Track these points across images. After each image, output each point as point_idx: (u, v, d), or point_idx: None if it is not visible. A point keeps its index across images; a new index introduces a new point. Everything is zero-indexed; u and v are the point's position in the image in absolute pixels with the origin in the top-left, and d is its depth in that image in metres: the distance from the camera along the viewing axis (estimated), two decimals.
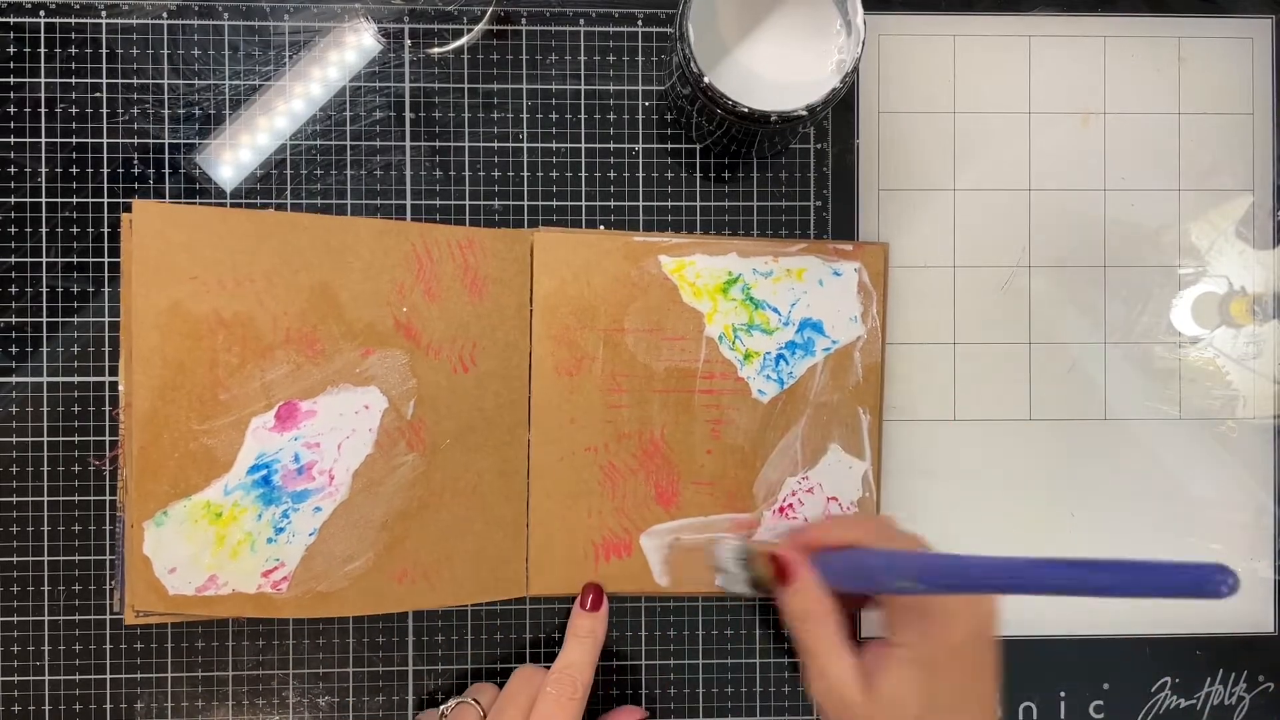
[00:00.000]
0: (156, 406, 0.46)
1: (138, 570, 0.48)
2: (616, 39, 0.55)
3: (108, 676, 0.53)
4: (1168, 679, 0.56)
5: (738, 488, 0.53)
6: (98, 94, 0.53)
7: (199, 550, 0.48)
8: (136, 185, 0.53)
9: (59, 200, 0.53)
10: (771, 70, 0.48)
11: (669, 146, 0.55)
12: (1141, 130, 0.57)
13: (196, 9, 0.54)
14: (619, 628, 0.55)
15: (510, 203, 0.55)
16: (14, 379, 0.53)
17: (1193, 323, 0.57)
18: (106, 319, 0.53)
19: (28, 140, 0.53)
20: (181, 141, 0.54)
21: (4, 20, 0.53)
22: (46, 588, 0.53)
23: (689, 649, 0.55)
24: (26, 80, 0.53)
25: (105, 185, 0.53)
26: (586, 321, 0.53)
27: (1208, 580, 0.34)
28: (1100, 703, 0.56)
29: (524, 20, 0.55)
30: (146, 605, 0.49)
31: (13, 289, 0.53)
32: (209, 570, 0.49)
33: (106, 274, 0.53)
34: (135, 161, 0.53)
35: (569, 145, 0.55)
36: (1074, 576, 0.37)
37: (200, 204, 0.53)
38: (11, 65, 0.53)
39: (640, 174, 0.55)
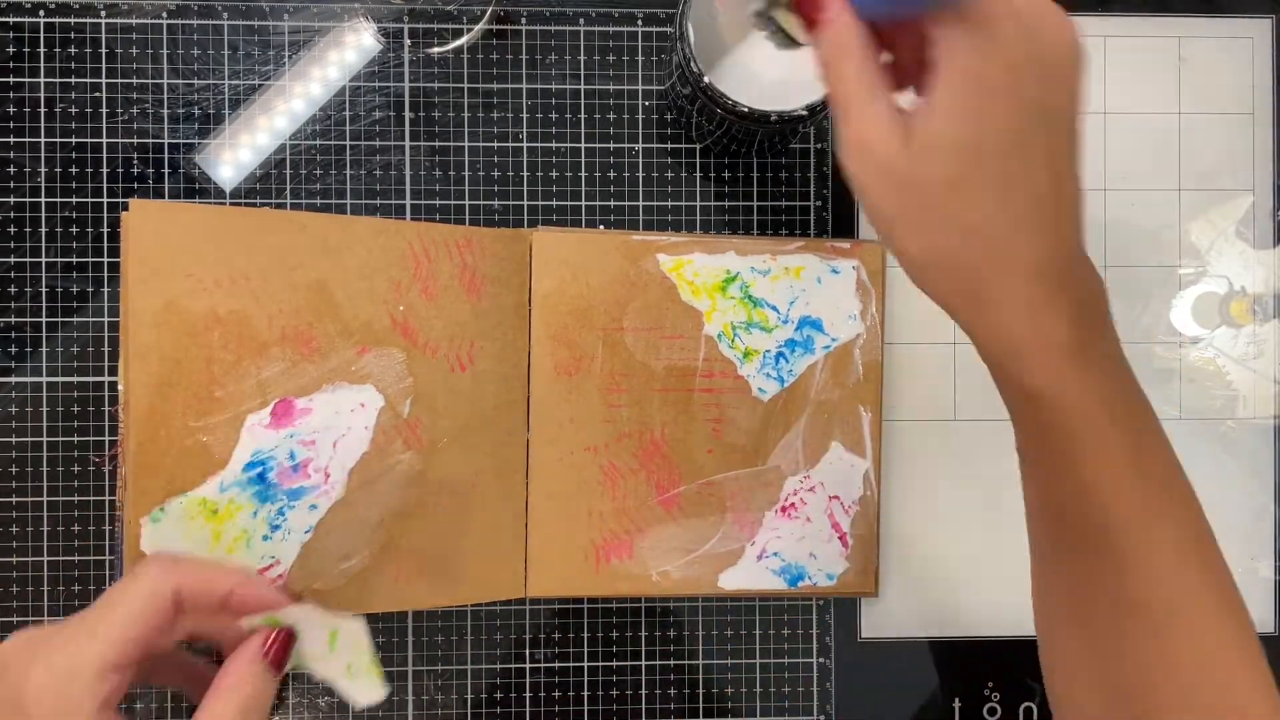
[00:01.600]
0: (153, 403, 0.46)
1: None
2: (616, 39, 0.55)
3: None
4: None
5: (739, 488, 0.53)
6: (97, 94, 0.53)
7: (195, 547, 0.48)
8: (136, 185, 0.53)
9: (58, 200, 0.53)
10: (771, 70, 0.48)
11: (669, 146, 0.55)
12: (1141, 130, 0.57)
13: (196, 9, 0.54)
14: (619, 628, 0.55)
15: (510, 202, 0.55)
16: (14, 379, 0.53)
17: (1193, 323, 0.56)
18: (106, 319, 0.53)
19: (27, 140, 0.53)
20: (181, 141, 0.54)
21: (4, 20, 0.53)
22: (46, 587, 0.53)
23: (689, 649, 0.55)
24: (26, 80, 0.53)
25: (105, 185, 0.53)
26: (585, 321, 0.53)
27: None
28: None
29: (524, 20, 0.55)
30: None
31: (13, 289, 0.53)
32: None
33: (106, 274, 0.53)
34: (135, 161, 0.53)
35: (569, 145, 0.55)
36: None
37: (198, 203, 0.53)
38: (11, 65, 0.53)
39: (640, 174, 0.55)
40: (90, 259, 0.53)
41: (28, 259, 0.53)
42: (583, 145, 0.55)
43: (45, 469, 0.53)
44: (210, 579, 0.39)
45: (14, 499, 0.53)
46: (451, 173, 0.55)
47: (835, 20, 0.35)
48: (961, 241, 0.34)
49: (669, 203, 0.55)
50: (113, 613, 0.37)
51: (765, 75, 0.48)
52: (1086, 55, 0.34)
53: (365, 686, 0.45)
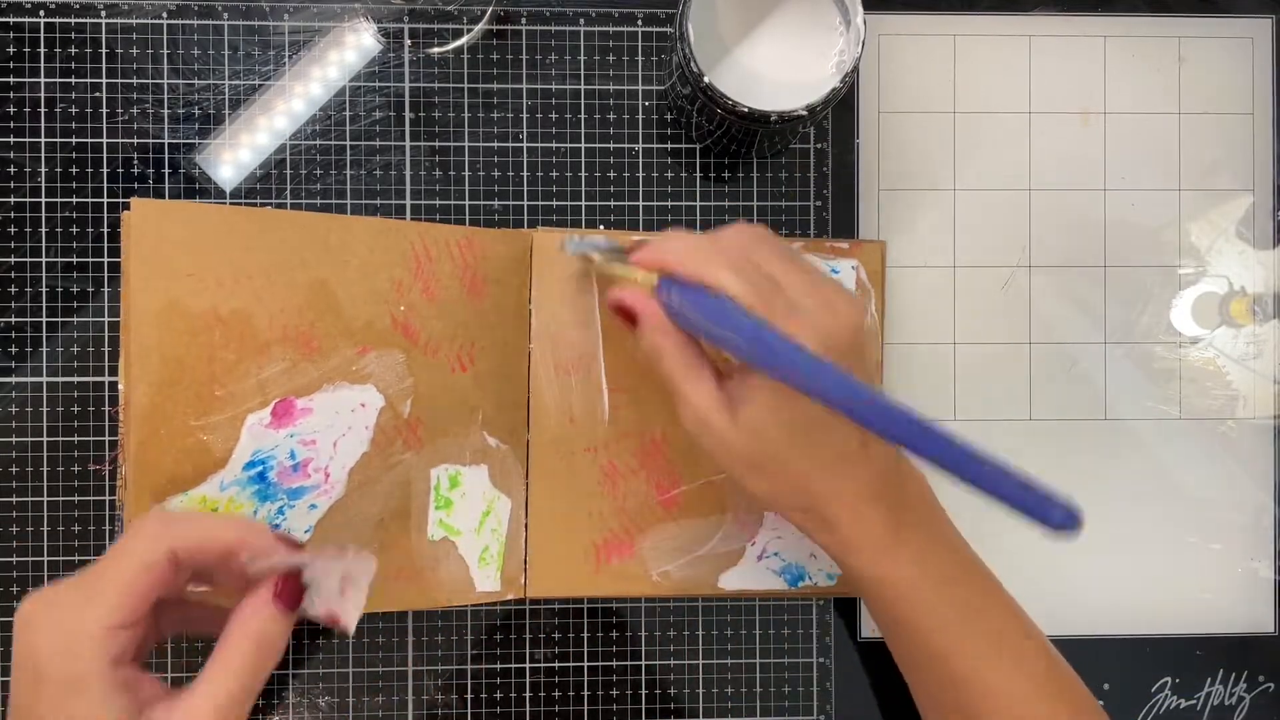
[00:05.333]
0: (154, 402, 0.46)
1: None
2: (616, 39, 0.55)
3: None
4: (1168, 679, 0.56)
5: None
6: (97, 94, 0.53)
7: None
8: (136, 185, 0.53)
9: (59, 200, 0.53)
10: (771, 70, 0.48)
11: (669, 146, 0.55)
12: (1141, 130, 0.57)
13: (196, 9, 0.54)
14: (619, 628, 0.55)
15: (510, 203, 0.55)
16: (14, 379, 0.53)
17: (1193, 323, 0.56)
18: (106, 319, 0.53)
19: (28, 140, 0.53)
20: (181, 141, 0.54)
21: (4, 20, 0.53)
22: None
23: (689, 649, 0.55)
24: (26, 80, 0.53)
25: (105, 185, 0.53)
26: (585, 321, 0.53)
27: (1045, 506, 0.34)
28: (1101, 703, 0.56)
29: (524, 20, 0.55)
30: None
31: (13, 289, 0.53)
32: None
33: (106, 274, 0.53)
34: (135, 161, 0.53)
35: (569, 145, 0.55)
36: (913, 431, 0.36)
37: (199, 202, 0.53)
38: (11, 65, 0.53)
39: (640, 174, 0.55)
40: (90, 259, 0.53)
41: (28, 259, 0.53)
42: (583, 145, 0.55)
43: (45, 469, 0.53)
44: (209, 535, 0.39)
45: (14, 499, 0.53)
46: (451, 173, 0.55)
47: (646, 320, 0.44)
48: (793, 488, 0.43)
49: (669, 203, 0.55)
50: (109, 576, 0.38)
51: (765, 75, 0.48)
52: (868, 329, 0.44)
53: (488, 576, 0.52)
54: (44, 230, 0.53)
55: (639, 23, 0.55)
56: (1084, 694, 0.46)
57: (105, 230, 0.53)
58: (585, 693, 0.55)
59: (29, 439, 0.53)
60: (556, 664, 0.55)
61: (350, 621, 0.42)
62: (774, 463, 0.42)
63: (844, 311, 0.41)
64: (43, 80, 0.53)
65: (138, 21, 0.54)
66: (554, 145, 0.55)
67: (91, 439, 0.53)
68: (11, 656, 0.38)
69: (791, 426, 0.41)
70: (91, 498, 0.53)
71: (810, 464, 0.42)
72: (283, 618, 0.40)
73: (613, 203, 0.55)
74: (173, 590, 0.39)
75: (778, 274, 0.41)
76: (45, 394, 0.53)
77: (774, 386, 0.40)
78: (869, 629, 0.56)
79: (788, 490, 0.43)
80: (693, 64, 0.45)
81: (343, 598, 0.42)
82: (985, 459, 0.36)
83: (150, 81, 0.54)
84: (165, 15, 0.54)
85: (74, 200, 0.53)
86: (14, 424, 0.53)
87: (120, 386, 0.48)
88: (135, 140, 0.54)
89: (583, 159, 0.55)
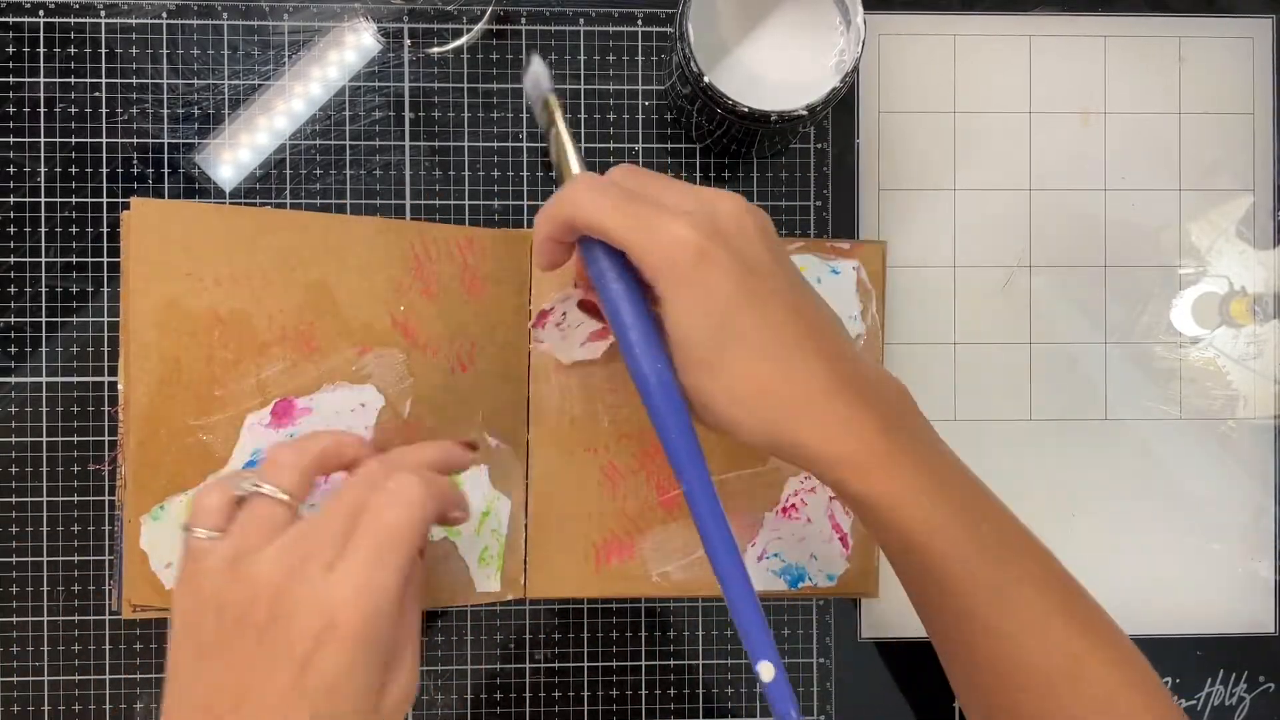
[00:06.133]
0: (154, 402, 0.47)
1: (135, 565, 0.48)
2: (616, 39, 0.55)
3: (107, 676, 0.53)
4: (1168, 679, 0.56)
5: (740, 488, 0.53)
6: (97, 94, 0.53)
7: None
8: (136, 185, 0.53)
9: (58, 200, 0.53)
10: (771, 70, 0.48)
11: (669, 146, 0.55)
12: (1141, 130, 0.57)
13: (196, 9, 0.54)
14: (619, 628, 0.55)
15: (510, 202, 0.55)
16: (14, 379, 0.53)
17: (1193, 323, 0.56)
18: (106, 319, 0.53)
19: (27, 140, 0.53)
20: (181, 141, 0.54)
21: (4, 20, 0.53)
22: (46, 588, 0.53)
23: (689, 649, 0.55)
24: (26, 80, 0.53)
25: (104, 185, 0.53)
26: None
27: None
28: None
29: (524, 20, 0.55)
30: (143, 600, 0.49)
31: (12, 289, 0.53)
32: None
33: (106, 273, 0.53)
34: (134, 161, 0.53)
35: None
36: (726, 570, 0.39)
37: (199, 202, 0.53)
38: (11, 65, 0.53)
39: None
40: (90, 259, 0.53)
41: (28, 259, 0.53)
42: (583, 145, 0.55)
43: (45, 469, 0.53)
44: (449, 500, 0.42)
45: (14, 499, 0.53)
46: (451, 173, 0.54)
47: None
48: (759, 389, 0.38)
49: None
50: (378, 552, 0.38)
51: (765, 75, 0.48)
52: (760, 219, 0.40)
53: (488, 576, 0.51)
54: (44, 230, 0.53)
55: (639, 23, 0.55)
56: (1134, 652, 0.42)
57: (105, 230, 0.53)
58: (585, 693, 0.55)
59: (29, 439, 0.53)
60: (556, 664, 0.55)
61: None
62: (725, 365, 0.38)
63: (725, 203, 0.39)
64: (42, 80, 0.53)
65: (137, 21, 0.54)
66: None
67: (91, 439, 0.53)
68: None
69: (722, 321, 0.38)
70: (91, 498, 0.53)
71: (760, 355, 0.38)
72: (438, 489, 0.41)
73: None
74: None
75: (653, 191, 0.39)
76: (45, 394, 0.53)
77: (679, 293, 0.37)
78: (869, 629, 0.56)
79: (754, 393, 0.38)
80: (693, 64, 0.45)
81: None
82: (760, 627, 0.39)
83: (150, 81, 0.54)
84: (165, 15, 0.54)
85: (74, 200, 0.53)
86: (14, 424, 0.53)
87: (120, 386, 0.48)
88: (135, 140, 0.54)
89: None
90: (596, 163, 0.55)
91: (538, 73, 0.43)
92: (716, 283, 0.37)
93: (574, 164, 0.42)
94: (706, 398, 0.39)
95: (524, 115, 0.55)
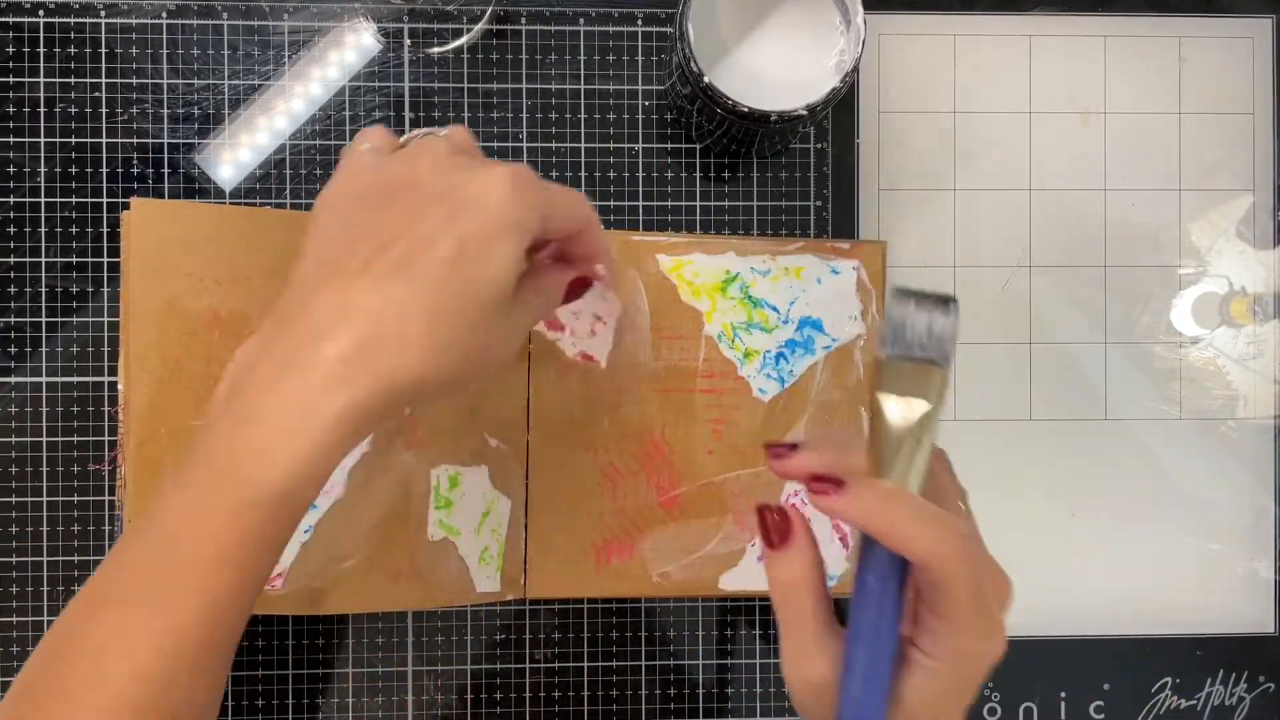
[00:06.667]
0: (154, 402, 0.47)
1: None
2: (616, 39, 0.55)
3: None
4: (1168, 679, 0.56)
5: (740, 488, 0.53)
6: (97, 94, 0.53)
7: None
8: (136, 185, 0.53)
9: (58, 200, 0.53)
10: (771, 70, 0.48)
11: (669, 146, 0.55)
12: (1141, 130, 0.57)
13: (196, 9, 0.54)
14: (619, 628, 0.55)
15: None
16: (14, 379, 0.53)
17: (1193, 323, 0.57)
18: (106, 318, 0.53)
19: (27, 140, 0.53)
20: (180, 141, 0.54)
21: (4, 20, 0.53)
22: (46, 588, 0.53)
23: (689, 649, 0.55)
24: (26, 80, 0.53)
25: (104, 185, 0.53)
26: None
27: None
28: (1100, 703, 0.56)
29: (524, 20, 0.55)
30: None
31: (12, 289, 0.53)
32: None
33: (106, 273, 0.53)
34: (134, 161, 0.53)
35: (569, 145, 0.55)
36: None
37: (199, 202, 0.53)
38: (11, 65, 0.53)
39: (640, 174, 0.55)
40: (90, 259, 0.53)
41: (28, 259, 0.53)
42: (583, 145, 0.55)
43: (45, 469, 0.53)
44: (572, 212, 0.41)
45: (14, 499, 0.53)
46: None
47: (798, 547, 0.36)
48: None
49: (669, 203, 0.55)
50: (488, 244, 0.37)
51: (765, 75, 0.48)
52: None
53: (488, 576, 0.51)
54: (44, 230, 0.53)
55: (639, 23, 0.55)
56: None
57: (105, 230, 0.53)
58: (585, 693, 0.55)
59: (29, 439, 0.53)
60: (556, 664, 0.55)
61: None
62: None
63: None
64: (42, 80, 0.53)
65: (137, 21, 0.54)
66: (554, 145, 0.55)
67: (91, 439, 0.53)
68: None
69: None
70: (91, 498, 0.53)
71: None
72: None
73: (612, 203, 0.55)
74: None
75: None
76: (45, 394, 0.53)
77: (939, 671, 0.34)
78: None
79: None
80: (693, 64, 0.45)
81: (592, 337, 0.48)
82: None
83: (150, 81, 0.54)
84: (165, 15, 0.54)
85: (74, 200, 0.53)
86: (14, 424, 0.53)
87: (120, 386, 0.48)
88: (135, 140, 0.54)
89: (582, 159, 0.55)
90: (596, 163, 0.55)
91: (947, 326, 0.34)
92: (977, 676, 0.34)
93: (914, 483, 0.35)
94: None
95: (523, 115, 0.55)
